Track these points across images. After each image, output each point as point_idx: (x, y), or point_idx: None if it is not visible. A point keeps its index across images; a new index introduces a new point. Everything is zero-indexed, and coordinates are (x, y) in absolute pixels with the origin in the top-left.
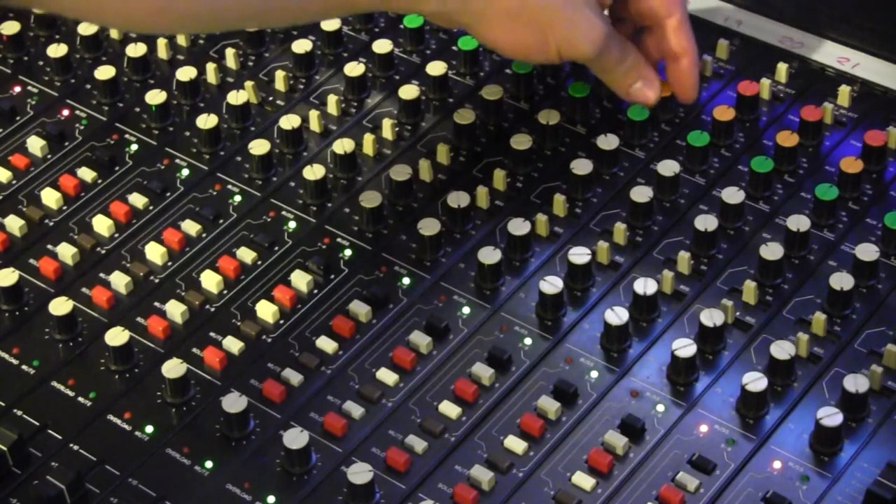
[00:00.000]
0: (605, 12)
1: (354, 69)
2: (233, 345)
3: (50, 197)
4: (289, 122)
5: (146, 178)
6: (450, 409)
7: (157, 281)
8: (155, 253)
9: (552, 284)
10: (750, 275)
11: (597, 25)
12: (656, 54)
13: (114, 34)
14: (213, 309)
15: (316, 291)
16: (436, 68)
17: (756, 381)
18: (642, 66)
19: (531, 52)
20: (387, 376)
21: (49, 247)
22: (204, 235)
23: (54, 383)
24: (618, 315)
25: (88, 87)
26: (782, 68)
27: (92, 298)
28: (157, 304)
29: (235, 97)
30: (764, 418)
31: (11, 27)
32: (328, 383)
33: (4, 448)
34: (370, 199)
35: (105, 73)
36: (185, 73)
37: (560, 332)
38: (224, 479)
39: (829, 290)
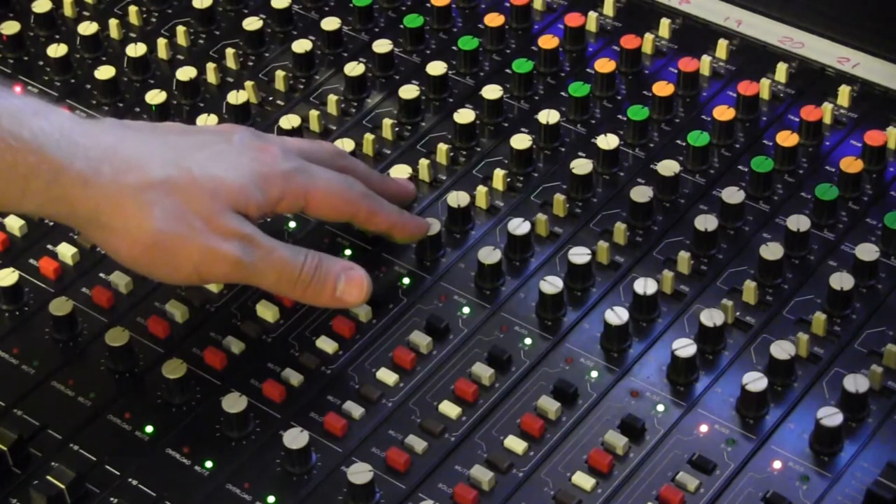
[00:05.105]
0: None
1: (354, 69)
2: (233, 345)
3: None
4: (289, 122)
5: None
6: (450, 409)
7: (157, 281)
8: None
9: (552, 284)
10: (750, 275)
11: (229, 248)
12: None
13: (114, 34)
14: (213, 309)
15: None
16: (436, 68)
17: (756, 381)
18: (333, 266)
19: (158, 276)
20: (387, 376)
21: (49, 247)
22: None
23: (54, 383)
24: (618, 315)
25: (88, 87)
26: (782, 68)
27: (92, 298)
28: (157, 304)
29: (235, 97)
30: (764, 418)
31: (11, 27)
32: (328, 383)
33: (4, 448)
34: None
35: (105, 73)
36: (185, 73)
37: (560, 332)
38: (224, 479)
39: (829, 290)
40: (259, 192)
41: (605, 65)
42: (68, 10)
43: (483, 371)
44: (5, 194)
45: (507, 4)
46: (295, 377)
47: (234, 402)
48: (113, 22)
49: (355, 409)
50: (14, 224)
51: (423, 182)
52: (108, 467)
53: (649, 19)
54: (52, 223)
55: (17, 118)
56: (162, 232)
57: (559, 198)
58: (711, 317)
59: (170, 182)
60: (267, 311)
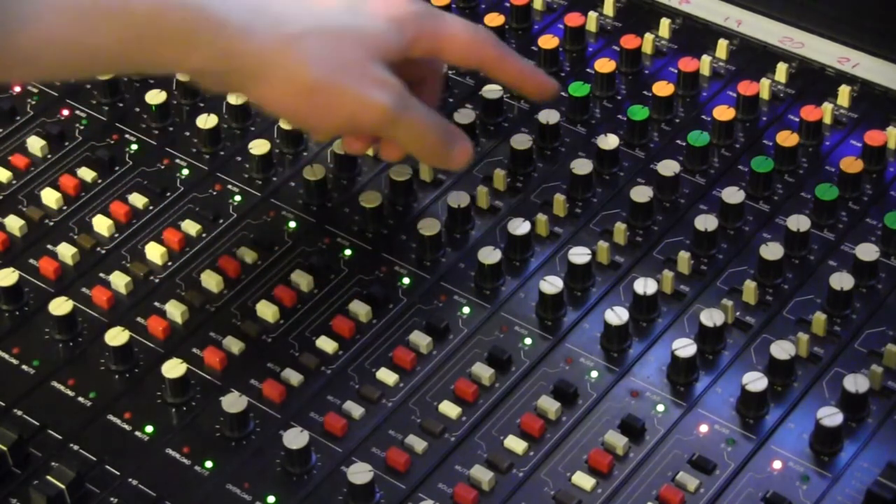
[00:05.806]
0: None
1: None
2: (233, 345)
3: (50, 197)
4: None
5: (146, 178)
6: (450, 409)
7: (157, 281)
8: (155, 253)
9: (552, 284)
10: (750, 275)
11: (383, 97)
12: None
13: None
14: (212, 309)
15: (316, 291)
16: None
17: (756, 381)
18: (453, 130)
19: (311, 125)
20: (387, 376)
21: (49, 247)
22: (204, 235)
23: (54, 383)
24: (618, 315)
25: (88, 86)
26: (782, 68)
27: (92, 298)
28: (157, 304)
29: (235, 97)
30: (764, 418)
31: None
32: (328, 383)
33: (4, 448)
34: (370, 199)
35: None
36: None
37: (560, 332)
38: (224, 479)
39: (829, 290)
40: (396, 35)
41: (605, 65)
42: None
43: (483, 371)
44: (170, 55)
45: (507, 4)
46: (295, 377)
47: (234, 402)
48: None
49: (355, 409)
50: (14, 224)
51: (423, 182)
52: (108, 467)
53: (649, 19)
54: (51, 223)
55: None
56: (321, 80)
57: (559, 198)
58: (711, 317)
59: (322, 30)
60: (267, 311)
